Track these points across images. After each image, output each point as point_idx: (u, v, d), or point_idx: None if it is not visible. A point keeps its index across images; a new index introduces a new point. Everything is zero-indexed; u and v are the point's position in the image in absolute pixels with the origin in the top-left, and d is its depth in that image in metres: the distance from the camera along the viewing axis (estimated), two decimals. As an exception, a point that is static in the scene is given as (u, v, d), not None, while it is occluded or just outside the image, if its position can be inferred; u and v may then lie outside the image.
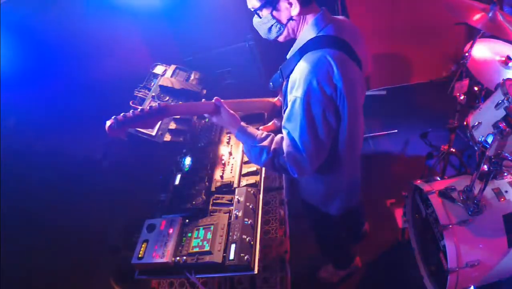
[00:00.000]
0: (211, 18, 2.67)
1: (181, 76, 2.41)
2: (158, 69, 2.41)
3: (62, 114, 1.99)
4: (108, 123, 1.35)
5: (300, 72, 1.35)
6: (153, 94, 2.20)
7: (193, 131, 2.31)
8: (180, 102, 1.50)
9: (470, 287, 1.88)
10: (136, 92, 2.24)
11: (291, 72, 1.43)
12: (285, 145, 1.44)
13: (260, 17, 1.43)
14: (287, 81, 1.46)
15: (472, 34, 2.24)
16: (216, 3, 2.61)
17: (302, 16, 1.42)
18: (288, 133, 1.43)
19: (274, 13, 1.40)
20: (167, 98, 2.22)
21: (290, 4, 1.37)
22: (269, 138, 1.50)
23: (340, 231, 2.20)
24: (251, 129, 1.54)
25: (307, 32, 1.43)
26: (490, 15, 2.03)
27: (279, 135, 1.51)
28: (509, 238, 1.77)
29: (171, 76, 2.35)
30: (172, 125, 2.10)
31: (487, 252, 1.79)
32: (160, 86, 2.24)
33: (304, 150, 1.41)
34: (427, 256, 2.18)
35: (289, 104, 1.40)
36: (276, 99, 1.76)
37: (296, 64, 1.41)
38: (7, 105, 1.72)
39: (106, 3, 2.29)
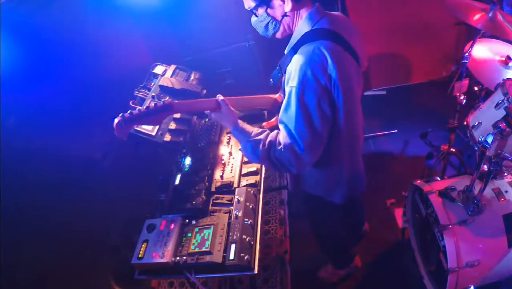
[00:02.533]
0: (211, 18, 2.67)
1: (181, 76, 2.41)
2: (158, 69, 2.41)
3: (62, 114, 1.99)
4: (116, 120, 1.39)
5: (295, 63, 1.39)
6: (153, 94, 2.20)
7: (193, 131, 2.31)
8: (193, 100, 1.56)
9: (470, 287, 1.88)
10: (136, 92, 2.24)
11: (287, 65, 1.48)
12: (281, 137, 1.45)
13: (257, 16, 1.50)
14: (285, 73, 1.49)
15: (472, 34, 2.24)
16: (216, 3, 2.61)
17: (296, 12, 1.47)
18: (285, 126, 1.44)
19: (269, 10, 1.47)
20: (167, 98, 2.22)
21: (283, 1, 1.43)
22: (264, 133, 1.51)
23: (341, 228, 2.19)
24: (247, 126, 1.56)
25: (302, 26, 1.48)
26: (490, 15, 2.03)
27: (275, 131, 1.52)
28: (509, 238, 1.77)
29: (171, 76, 2.35)
30: (172, 125, 2.10)
31: (487, 252, 1.79)
32: (160, 86, 2.24)
33: (301, 141, 1.41)
34: (427, 256, 2.18)
35: (286, 95, 1.43)
36: (277, 95, 1.78)
37: (291, 58, 1.45)
38: (7, 105, 1.72)
39: (106, 3, 2.29)
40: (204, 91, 2.39)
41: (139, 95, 2.23)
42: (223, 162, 2.08)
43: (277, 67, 1.59)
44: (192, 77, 2.44)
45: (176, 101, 1.47)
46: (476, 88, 2.35)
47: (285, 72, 1.50)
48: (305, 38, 1.44)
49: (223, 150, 2.17)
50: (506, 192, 1.88)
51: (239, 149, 2.00)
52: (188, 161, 2.07)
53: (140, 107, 1.44)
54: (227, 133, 2.28)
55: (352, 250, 2.45)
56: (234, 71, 2.91)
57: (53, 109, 1.95)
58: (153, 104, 1.43)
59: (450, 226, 1.80)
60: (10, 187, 1.69)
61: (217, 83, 2.90)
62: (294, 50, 1.45)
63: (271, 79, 1.64)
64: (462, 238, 1.79)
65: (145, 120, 1.44)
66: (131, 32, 2.52)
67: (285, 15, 1.47)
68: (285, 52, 1.56)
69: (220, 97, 1.54)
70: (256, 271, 1.57)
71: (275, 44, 1.65)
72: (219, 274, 1.61)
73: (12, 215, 1.71)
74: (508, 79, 1.88)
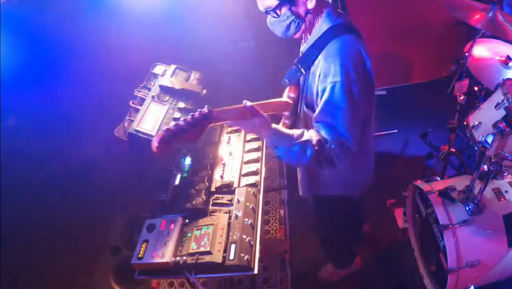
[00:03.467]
0: (211, 18, 2.68)
1: (181, 76, 2.41)
2: (158, 69, 2.41)
3: (62, 114, 1.99)
4: (160, 135, 1.20)
5: (333, 58, 1.38)
6: (153, 94, 2.20)
7: (193, 131, 2.30)
8: (224, 107, 1.34)
9: (470, 287, 1.88)
10: (136, 92, 2.24)
11: (312, 63, 1.47)
12: (326, 134, 1.41)
13: (278, 16, 1.43)
14: (308, 73, 1.50)
15: (472, 34, 2.24)
16: (216, 3, 2.61)
17: (317, 9, 1.45)
18: (329, 121, 1.41)
19: (293, 8, 1.42)
20: (167, 98, 2.22)
21: None
22: (306, 134, 1.44)
23: (348, 227, 2.22)
24: (284, 129, 1.45)
25: (322, 23, 1.47)
26: (490, 15, 2.03)
27: (311, 130, 1.47)
28: (509, 238, 1.77)
29: (171, 76, 2.35)
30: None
31: (487, 252, 1.79)
32: (160, 86, 2.24)
33: (348, 133, 1.40)
34: (427, 256, 2.18)
35: (327, 92, 1.39)
36: (285, 98, 1.71)
37: (317, 55, 1.44)
38: (7, 105, 1.72)
39: (106, 4, 2.29)
40: (204, 91, 2.39)
41: (139, 95, 2.23)
42: (223, 162, 2.08)
43: (295, 66, 1.55)
44: (192, 77, 2.44)
45: (215, 109, 1.31)
46: (476, 88, 2.35)
47: (307, 70, 1.50)
48: (329, 34, 1.43)
49: (223, 149, 2.17)
50: (506, 192, 1.88)
51: (275, 155, 1.73)
52: (188, 161, 2.07)
53: (183, 118, 1.26)
54: (227, 133, 2.28)
55: (353, 249, 2.45)
56: (234, 71, 2.92)
57: (53, 110, 1.95)
58: (190, 116, 1.25)
59: (450, 226, 1.80)
60: (10, 186, 1.69)
61: (217, 83, 2.90)
62: (317, 48, 1.44)
63: (285, 80, 1.59)
64: (462, 238, 1.79)
65: (185, 134, 1.23)
66: (131, 32, 2.52)
67: (308, 12, 1.44)
68: (302, 50, 1.53)
69: (247, 103, 1.37)
70: (256, 271, 1.57)
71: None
72: (219, 274, 1.61)
73: (12, 215, 1.71)
74: (508, 79, 1.88)
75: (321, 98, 1.43)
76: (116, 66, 2.37)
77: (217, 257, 1.58)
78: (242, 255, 1.56)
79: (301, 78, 1.57)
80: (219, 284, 1.96)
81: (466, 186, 1.90)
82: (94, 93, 2.21)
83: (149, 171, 2.19)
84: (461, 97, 2.40)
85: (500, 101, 1.81)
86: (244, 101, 1.37)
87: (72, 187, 2.02)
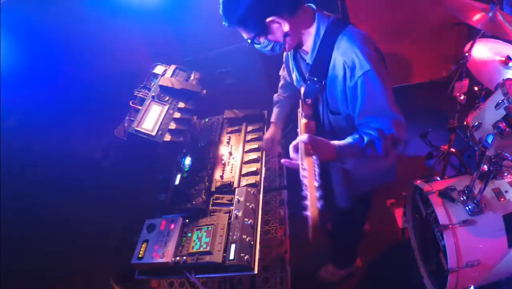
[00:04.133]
0: (211, 18, 2.67)
1: (181, 76, 2.41)
2: (158, 69, 2.41)
3: (62, 114, 1.99)
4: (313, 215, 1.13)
5: (351, 50, 1.37)
6: (153, 94, 2.19)
7: (193, 131, 2.31)
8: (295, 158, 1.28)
9: (470, 287, 1.88)
10: (136, 92, 2.24)
11: (326, 69, 1.45)
12: (380, 123, 1.41)
13: (259, 43, 1.47)
14: (327, 79, 1.47)
15: (472, 34, 2.24)
16: (216, 3, 2.61)
17: (297, 25, 1.43)
18: (376, 110, 1.42)
19: (269, 37, 1.44)
20: (167, 98, 2.22)
21: (278, 23, 1.39)
22: (362, 135, 1.41)
23: (362, 225, 2.27)
24: (341, 142, 1.40)
25: (318, 28, 1.45)
26: (490, 15, 2.03)
27: (360, 129, 1.45)
28: (509, 238, 1.77)
29: (171, 76, 2.35)
30: (172, 125, 2.10)
31: (487, 252, 1.79)
32: (160, 86, 2.24)
33: (396, 111, 1.42)
34: (427, 256, 2.18)
35: (361, 84, 1.38)
36: (303, 120, 1.55)
37: (329, 58, 1.43)
38: (7, 105, 1.72)
39: (106, 3, 2.29)
40: (204, 91, 2.39)
41: (139, 95, 2.23)
42: (223, 162, 2.08)
43: (309, 82, 1.51)
44: (192, 77, 2.44)
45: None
46: (476, 88, 2.35)
47: (324, 78, 1.47)
48: (332, 34, 1.43)
49: (223, 150, 2.17)
50: (506, 192, 1.88)
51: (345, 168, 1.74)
52: (188, 161, 2.07)
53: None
54: (227, 133, 2.28)
55: (356, 250, 2.46)
56: (234, 71, 2.91)
57: (53, 109, 1.95)
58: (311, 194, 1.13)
59: (450, 226, 1.80)
60: (10, 186, 1.69)
61: (217, 83, 2.90)
62: (326, 51, 1.43)
63: (308, 99, 1.54)
64: (462, 238, 1.79)
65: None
66: (131, 32, 2.52)
67: (286, 34, 1.43)
68: (309, 62, 1.50)
69: (302, 138, 1.27)
70: (256, 271, 1.57)
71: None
72: (219, 274, 1.61)
73: (12, 215, 1.71)
74: (508, 79, 1.88)
75: (354, 95, 1.42)
76: (116, 66, 2.37)
77: (217, 257, 1.58)
78: (242, 255, 1.56)
79: (323, 86, 1.51)
80: (219, 284, 1.96)
81: (466, 186, 1.90)
82: (94, 93, 2.21)
83: (149, 171, 2.19)
84: (461, 97, 2.40)
85: (500, 101, 1.81)
86: (298, 139, 1.29)
87: (72, 187, 2.02)
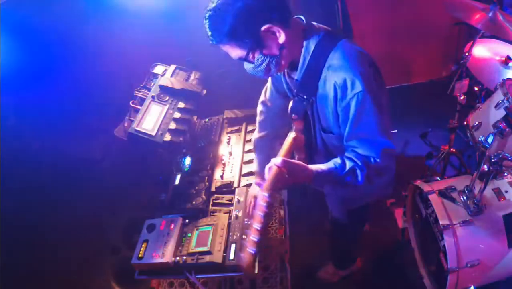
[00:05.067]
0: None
1: (181, 76, 2.41)
2: (158, 69, 2.41)
3: (62, 114, 1.99)
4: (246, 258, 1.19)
5: (343, 69, 1.28)
6: (153, 94, 2.20)
7: (193, 131, 2.31)
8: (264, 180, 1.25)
9: (470, 287, 1.88)
10: (136, 92, 2.24)
11: (316, 86, 1.36)
12: (367, 150, 1.32)
13: (253, 62, 1.32)
14: (316, 96, 1.38)
15: (472, 34, 2.24)
16: (216, 3, 2.61)
17: (291, 37, 1.30)
18: (365, 134, 1.32)
19: (264, 51, 1.29)
20: (167, 98, 2.22)
21: (274, 33, 1.27)
22: (346, 161, 1.33)
23: (361, 229, 2.22)
24: (323, 166, 1.34)
25: (308, 43, 1.35)
26: (490, 15, 2.03)
27: (347, 152, 1.36)
28: (509, 238, 1.77)
29: (171, 76, 2.35)
30: (172, 125, 2.10)
31: (487, 252, 1.79)
32: (160, 86, 2.24)
33: (386, 137, 1.33)
34: (427, 256, 2.18)
35: (352, 106, 1.28)
36: (293, 133, 1.55)
37: (319, 76, 1.33)
38: (7, 105, 1.72)
39: (106, 3, 2.29)
40: (204, 91, 2.39)
41: (139, 95, 2.23)
42: (223, 162, 2.08)
43: (297, 97, 1.42)
44: (192, 77, 2.44)
45: (262, 191, 1.21)
46: (476, 88, 2.35)
47: (313, 95, 1.38)
48: (322, 49, 1.32)
49: (223, 150, 2.17)
50: (506, 192, 1.88)
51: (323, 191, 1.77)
52: (188, 161, 2.07)
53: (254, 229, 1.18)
54: (227, 133, 2.28)
55: (357, 250, 2.46)
56: (234, 71, 2.91)
57: (53, 109, 1.95)
58: (261, 210, 1.17)
59: (450, 226, 1.80)
60: (10, 186, 1.69)
61: (217, 83, 2.90)
62: (315, 68, 1.33)
63: (294, 115, 1.46)
64: (462, 238, 1.78)
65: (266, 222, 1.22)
66: (131, 32, 2.52)
67: (282, 46, 1.30)
68: (297, 78, 1.40)
69: (276, 161, 1.23)
70: (256, 271, 1.57)
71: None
72: (219, 274, 1.61)
73: (12, 215, 1.71)
74: (508, 79, 1.88)
75: (345, 116, 1.32)
76: (116, 66, 2.37)
77: (217, 257, 1.58)
78: (242, 255, 1.56)
79: (311, 104, 1.44)
80: (219, 284, 1.96)
81: (466, 186, 1.90)
82: (94, 93, 2.21)
83: (149, 171, 2.19)
84: (461, 97, 2.40)
85: (500, 101, 1.81)
86: (272, 161, 1.24)
87: (72, 186, 2.02)
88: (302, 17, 1.39)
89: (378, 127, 1.31)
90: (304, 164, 1.30)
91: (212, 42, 1.29)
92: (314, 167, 1.31)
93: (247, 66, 1.36)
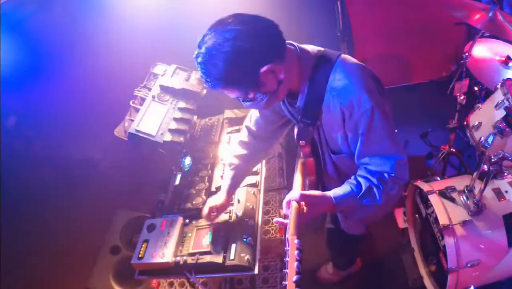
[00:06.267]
0: (211, 18, 2.67)
1: (181, 76, 2.41)
2: (158, 69, 2.41)
3: (62, 114, 2.00)
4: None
5: (347, 90, 1.25)
6: (154, 94, 2.20)
7: (193, 131, 2.31)
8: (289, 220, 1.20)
9: (470, 287, 1.88)
10: (136, 92, 2.25)
11: (319, 110, 1.33)
12: (380, 166, 1.30)
13: (251, 101, 1.28)
14: (323, 121, 1.36)
15: (472, 34, 2.24)
16: (216, 3, 2.61)
17: (288, 68, 1.27)
18: (377, 151, 1.30)
19: (262, 89, 1.24)
20: (167, 98, 2.22)
21: (273, 71, 1.22)
22: (360, 179, 1.32)
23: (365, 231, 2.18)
24: (339, 190, 1.32)
25: (304, 68, 1.31)
26: (490, 15, 2.03)
27: (360, 171, 1.36)
28: (509, 238, 1.77)
29: (171, 76, 2.35)
30: (172, 125, 2.10)
31: (487, 252, 1.79)
32: (160, 86, 2.24)
33: (397, 150, 1.30)
34: (427, 256, 2.18)
35: (362, 124, 1.26)
36: (302, 158, 1.55)
37: (322, 99, 1.30)
38: (7, 105, 1.72)
39: (106, 4, 2.29)
40: (204, 91, 2.39)
41: (139, 95, 2.23)
42: (223, 162, 2.08)
43: (302, 124, 1.39)
44: (192, 77, 2.44)
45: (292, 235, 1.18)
46: (476, 88, 2.34)
47: (317, 122, 1.36)
48: (321, 72, 1.29)
49: (223, 149, 2.17)
50: (506, 192, 1.88)
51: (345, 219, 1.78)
52: (188, 161, 2.07)
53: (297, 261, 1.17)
54: (227, 133, 2.27)
55: (357, 252, 2.46)
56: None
57: (53, 109, 1.95)
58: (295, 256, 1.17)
59: (450, 226, 1.80)
60: (10, 186, 1.69)
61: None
62: (317, 92, 1.29)
63: (301, 142, 1.44)
64: (462, 238, 1.79)
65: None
66: (131, 32, 2.52)
67: (280, 82, 1.25)
68: (299, 105, 1.37)
69: (294, 195, 1.22)
70: (256, 271, 1.57)
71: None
72: (219, 274, 1.61)
73: (12, 215, 1.71)
74: (508, 79, 1.88)
75: (355, 135, 1.30)
76: (116, 66, 2.37)
77: (217, 257, 1.58)
78: (242, 255, 1.56)
79: (317, 128, 1.42)
80: (219, 284, 1.96)
81: (466, 186, 1.90)
82: (95, 93, 2.21)
83: (149, 171, 2.19)
84: (461, 97, 2.40)
85: (500, 101, 1.81)
86: (289, 196, 1.22)
87: (72, 186, 2.03)
88: (293, 43, 1.34)
89: (389, 142, 1.30)
90: (321, 192, 1.28)
91: (207, 86, 1.24)
92: (331, 193, 1.29)
93: (247, 104, 1.31)
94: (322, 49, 1.37)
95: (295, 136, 1.46)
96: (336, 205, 1.28)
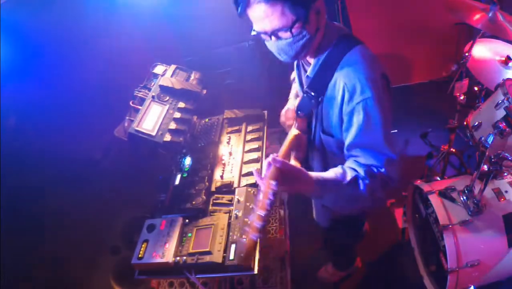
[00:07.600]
0: (211, 18, 2.67)
1: (181, 76, 2.41)
2: (158, 69, 2.41)
3: (62, 114, 1.99)
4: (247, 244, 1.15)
5: (353, 77, 1.24)
6: (153, 94, 2.20)
7: (193, 131, 2.31)
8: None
9: (470, 287, 1.88)
10: (136, 92, 2.24)
11: (326, 86, 1.33)
12: (370, 158, 1.26)
13: (292, 36, 1.22)
14: (325, 96, 1.35)
15: (472, 34, 2.24)
16: (216, 3, 2.61)
17: (323, 24, 1.29)
18: (369, 143, 1.27)
19: (306, 26, 1.21)
20: (167, 98, 2.22)
21: (319, 13, 1.23)
22: (347, 170, 1.26)
23: (360, 230, 2.17)
24: (323, 173, 1.26)
25: (327, 39, 1.32)
26: (490, 15, 2.03)
27: (348, 161, 1.32)
28: (509, 238, 1.77)
29: (171, 76, 2.35)
30: (172, 125, 2.10)
31: (487, 252, 1.79)
32: (160, 86, 2.24)
33: (391, 148, 1.27)
34: (427, 256, 2.18)
35: (359, 112, 1.24)
36: (295, 131, 1.55)
37: (331, 75, 1.30)
38: (7, 105, 1.72)
39: (106, 3, 2.29)
40: (204, 91, 2.39)
41: (139, 95, 2.23)
42: (223, 162, 2.08)
43: (305, 94, 1.39)
44: (192, 77, 2.44)
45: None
46: (476, 88, 2.35)
47: (321, 96, 1.36)
48: (340, 48, 1.30)
49: (223, 149, 2.17)
50: (506, 192, 1.88)
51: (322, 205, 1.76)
52: (188, 161, 2.07)
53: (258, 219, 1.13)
54: (227, 133, 2.28)
55: (355, 251, 2.46)
56: (234, 71, 2.92)
57: (52, 109, 1.95)
58: (266, 203, 1.11)
59: (450, 226, 1.80)
60: (10, 186, 1.69)
61: (217, 83, 2.90)
62: (330, 67, 1.30)
63: (299, 112, 1.45)
64: (462, 238, 1.79)
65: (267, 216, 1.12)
66: (131, 32, 2.52)
67: (318, 29, 1.26)
68: (309, 74, 1.38)
69: (277, 162, 1.14)
70: (256, 271, 1.57)
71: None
72: (219, 274, 1.61)
73: (12, 215, 1.71)
74: (508, 79, 1.88)
75: (349, 122, 1.28)
76: (116, 66, 2.37)
77: (217, 257, 1.58)
78: (242, 255, 1.56)
79: (319, 102, 1.40)
80: (219, 284, 1.96)
81: (466, 186, 1.90)
82: (94, 93, 2.20)
83: (149, 171, 2.19)
84: (461, 97, 2.40)
85: (500, 101, 1.81)
86: (271, 157, 1.15)
87: (72, 187, 2.02)
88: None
89: (383, 138, 1.26)
90: (304, 170, 1.21)
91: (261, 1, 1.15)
92: (314, 174, 1.23)
93: (280, 42, 1.24)
94: (348, 31, 1.38)
95: (296, 107, 1.47)
96: (315, 184, 1.20)
